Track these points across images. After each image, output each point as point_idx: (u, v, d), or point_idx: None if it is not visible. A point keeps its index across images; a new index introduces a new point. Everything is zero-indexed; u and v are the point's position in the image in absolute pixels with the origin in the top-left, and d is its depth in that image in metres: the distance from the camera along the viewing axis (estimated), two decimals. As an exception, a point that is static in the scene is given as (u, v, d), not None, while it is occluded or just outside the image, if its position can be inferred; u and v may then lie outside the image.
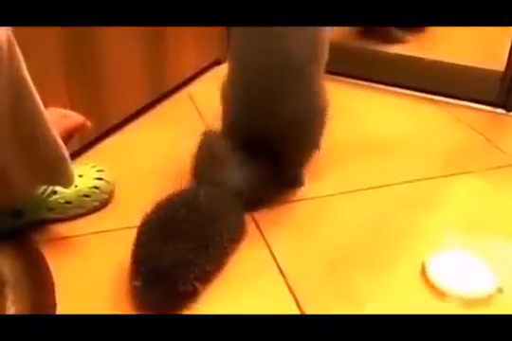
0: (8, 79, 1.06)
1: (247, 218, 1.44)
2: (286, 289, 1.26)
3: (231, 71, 1.49)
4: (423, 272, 1.29)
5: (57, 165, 1.27)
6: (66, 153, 1.26)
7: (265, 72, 1.39)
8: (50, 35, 1.48)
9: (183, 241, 1.21)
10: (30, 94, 1.14)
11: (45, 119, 1.18)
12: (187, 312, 1.18)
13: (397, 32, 2.55)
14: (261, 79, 1.39)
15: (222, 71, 1.79)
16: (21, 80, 1.10)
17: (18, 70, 1.09)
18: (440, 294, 1.24)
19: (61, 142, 1.24)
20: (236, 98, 1.46)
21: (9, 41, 1.04)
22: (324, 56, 1.49)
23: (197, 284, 1.19)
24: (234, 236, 1.34)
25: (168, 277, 1.16)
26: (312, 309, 1.20)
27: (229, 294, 1.24)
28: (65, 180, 1.31)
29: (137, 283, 1.18)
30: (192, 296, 1.20)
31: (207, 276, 1.24)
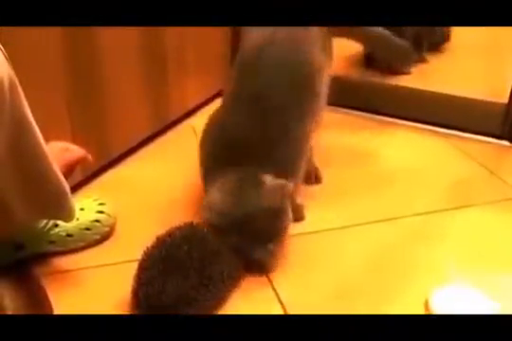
0: (9, 117, 1.06)
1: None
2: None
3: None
4: (426, 305, 1.29)
5: (58, 199, 1.26)
6: (67, 188, 1.26)
7: None
8: (53, 66, 1.49)
9: (184, 277, 1.21)
10: (31, 130, 1.14)
11: (45, 155, 1.19)
12: None
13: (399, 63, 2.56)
14: None
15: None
16: (22, 117, 1.11)
17: (20, 108, 1.09)
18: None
19: (61, 177, 1.24)
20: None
21: (10, 79, 1.04)
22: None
23: None
24: (235, 273, 1.33)
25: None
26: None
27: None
28: (66, 214, 1.31)
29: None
30: None
31: (207, 312, 1.24)
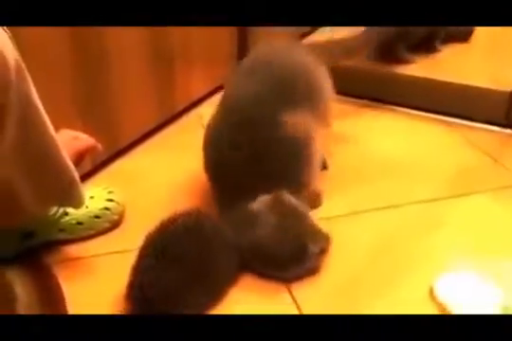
0: (16, 102, 1.07)
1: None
2: (295, 309, 1.27)
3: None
4: (431, 292, 1.29)
5: (67, 187, 1.27)
6: (77, 175, 1.26)
7: None
8: (62, 58, 1.50)
9: (180, 271, 1.20)
10: (40, 117, 1.14)
11: (55, 142, 1.19)
12: None
13: (404, 53, 2.55)
14: None
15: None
16: (30, 103, 1.11)
17: (27, 94, 1.09)
18: (448, 314, 1.24)
19: (71, 164, 1.24)
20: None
21: (16, 63, 1.05)
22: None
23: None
24: (232, 271, 1.32)
25: (159, 305, 1.16)
26: None
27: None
28: (76, 201, 1.31)
29: (129, 306, 1.20)
30: None
31: (200, 308, 1.23)
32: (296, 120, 1.43)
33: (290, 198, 1.35)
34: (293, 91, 1.48)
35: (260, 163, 1.41)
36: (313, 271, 1.35)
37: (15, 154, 1.14)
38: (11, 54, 1.03)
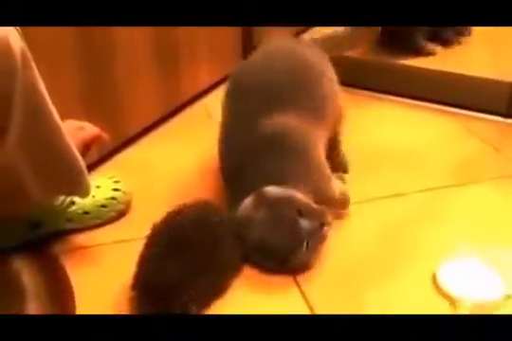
0: (22, 90, 1.07)
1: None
2: (300, 295, 1.27)
3: None
4: (433, 280, 1.29)
5: (74, 175, 1.26)
6: (83, 164, 1.26)
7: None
8: (68, 48, 1.49)
9: (185, 261, 1.20)
10: (46, 106, 1.14)
11: (61, 131, 1.18)
12: None
13: (424, 43, 2.54)
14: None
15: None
16: (36, 92, 1.11)
17: (33, 83, 1.09)
18: (451, 301, 1.24)
19: (77, 153, 1.24)
20: None
21: (22, 52, 1.04)
22: None
23: (191, 306, 1.17)
24: (236, 263, 1.32)
25: (162, 295, 1.16)
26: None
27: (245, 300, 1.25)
28: (82, 190, 1.31)
29: (134, 295, 1.19)
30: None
31: (204, 299, 1.22)
32: (285, 122, 1.41)
33: (272, 189, 1.33)
34: (289, 94, 1.46)
35: (262, 167, 1.39)
36: (317, 253, 1.34)
37: (21, 143, 1.14)
38: (17, 43, 1.03)
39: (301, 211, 1.29)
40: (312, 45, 1.68)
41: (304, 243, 1.28)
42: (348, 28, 2.15)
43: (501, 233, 1.46)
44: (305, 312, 1.22)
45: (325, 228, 1.32)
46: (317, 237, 1.31)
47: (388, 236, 1.44)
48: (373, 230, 1.46)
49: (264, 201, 1.31)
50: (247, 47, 2.35)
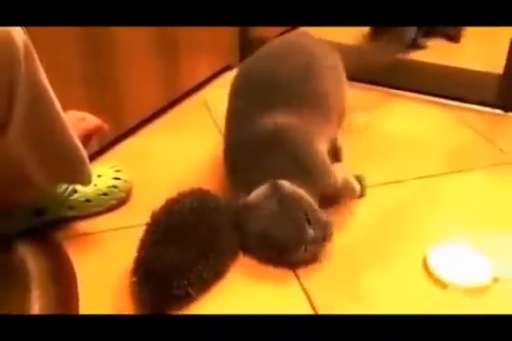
0: (25, 82, 1.08)
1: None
2: (296, 282, 1.28)
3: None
4: (424, 262, 1.31)
5: (76, 165, 1.27)
6: (85, 154, 1.27)
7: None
8: (69, 40, 1.49)
9: (185, 246, 1.20)
10: (48, 97, 1.14)
11: (63, 121, 1.19)
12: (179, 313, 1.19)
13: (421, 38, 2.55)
14: None
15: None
16: (38, 83, 1.11)
17: (35, 74, 1.10)
18: (441, 284, 1.26)
19: (79, 143, 1.25)
20: None
21: (25, 44, 1.05)
22: None
23: (191, 290, 1.18)
24: (234, 247, 1.33)
25: (163, 279, 1.16)
26: (322, 302, 1.22)
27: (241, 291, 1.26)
28: (84, 179, 1.32)
29: (135, 279, 1.19)
30: (185, 300, 1.20)
31: (203, 283, 1.22)
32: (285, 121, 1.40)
33: (287, 184, 1.32)
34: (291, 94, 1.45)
35: (264, 162, 1.38)
36: (316, 255, 1.34)
37: (25, 133, 1.15)
38: (20, 35, 1.04)
39: (309, 219, 1.28)
40: (322, 41, 1.66)
41: (303, 247, 1.28)
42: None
43: (490, 218, 1.47)
44: (302, 297, 1.24)
45: (326, 241, 1.31)
46: (316, 245, 1.31)
47: (382, 221, 1.46)
48: (367, 216, 1.47)
49: (277, 193, 1.30)
50: (244, 40, 2.36)
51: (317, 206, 1.33)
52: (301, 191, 1.33)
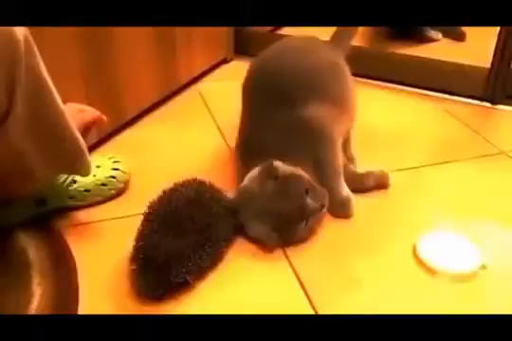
0: (25, 76, 1.07)
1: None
2: (290, 269, 1.27)
3: None
4: (414, 250, 1.30)
5: (75, 156, 1.27)
6: (84, 144, 1.26)
7: None
8: (68, 34, 1.48)
9: (182, 236, 1.20)
10: (49, 90, 1.14)
11: (63, 114, 1.18)
12: (178, 301, 1.18)
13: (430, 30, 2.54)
14: None
15: (229, 69, 1.76)
16: (39, 77, 1.11)
17: (36, 68, 1.09)
18: (430, 271, 1.26)
19: (79, 135, 1.24)
20: None
21: (25, 38, 1.04)
22: None
23: (189, 277, 1.18)
24: (230, 236, 1.32)
25: (161, 267, 1.16)
26: (315, 290, 1.22)
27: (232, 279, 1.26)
28: (84, 169, 1.32)
29: (134, 268, 1.19)
30: (183, 287, 1.19)
31: (200, 271, 1.22)
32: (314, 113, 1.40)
33: (279, 163, 1.33)
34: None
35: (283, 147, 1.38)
36: (314, 229, 1.36)
37: (26, 125, 1.14)
38: (21, 30, 1.03)
39: (308, 190, 1.30)
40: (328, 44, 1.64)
41: (304, 221, 1.29)
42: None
43: (477, 207, 1.47)
44: (295, 283, 1.24)
45: (324, 210, 1.33)
46: (316, 216, 1.32)
47: (371, 211, 1.45)
48: (358, 205, 1.45)
49: (273, 174, 1.30)
50: (240, 34, 2.35)
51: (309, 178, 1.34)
52: (299, 170, 1.34)
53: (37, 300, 1.16)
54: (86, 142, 1.30)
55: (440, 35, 2.54)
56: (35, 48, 1.08)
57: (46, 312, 1.14)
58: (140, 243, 1.20)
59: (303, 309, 1.17)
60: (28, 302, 1.15)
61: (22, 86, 1.08)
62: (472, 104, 2.05)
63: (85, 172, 1.34)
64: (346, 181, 1.43)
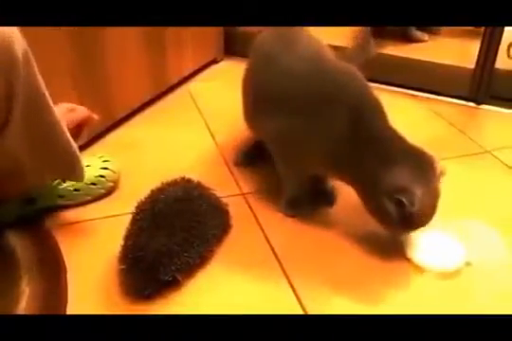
0: (24, 93, 1.08)
1: (242, 201, 1.46)
2: (280, 269, 1.26)
3: None
4: (401, 248, 1.30)
5: (68, 161, 1.27)
6: (77, 150, 1.27)
7: None
8: (58, 34, 1.46)
9: (171, 234, 1.18)
10: (46, 104, 1.15)
11: (59, 125, 1.20)
12: (167, 300, 1.17)
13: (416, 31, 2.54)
14: None
15: (219, 69, 1.74)
16: (37, 93, 1.12)
17: (34, 85, 1.10)
18: (417, 267, 1.26)
19: (73, 143, 1.25)
20: None
21: (25, 55, 1.05)
22: None
23: (178, 275, 1.17)
24: (219, 233, 1.31)
25: (150, 265, 1.14)
26: (305, 289, 1.21)
27: (222, 278, 1.24)
28: (77, 175, 1.32)
29: (123, 267, 1.17)
30: (172, 285, 1.18)
31: (189, 269, 1.21)
32: None
33: None
34: None
35: None
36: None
37: (23, 136, 1.15)
38: (20, 47, 1.04)
39: None
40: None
41: None
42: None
43: (462, 205, 1.47)
44: (284, 281, 1.23)
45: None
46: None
47: (361, 209, 1.43)
48: (346, 204, 1.45)
49: None
50: (230, 34, 2.34)
51: None
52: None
53: (25, 301, 1.14)
54: (78, 142, 1.31)
55: (426, 36, 2.53)
56: (34, 64, 1.09)
57: (35, 312, 1.12)
58: (129, 243, 1.19)
59: (293, 309, 1.16)
60: (17, 302, 1.14)
61: (20, 98, 1.08)
62: (458, 104, 2.05)
63: (79, 178, 1.34)
64: None
